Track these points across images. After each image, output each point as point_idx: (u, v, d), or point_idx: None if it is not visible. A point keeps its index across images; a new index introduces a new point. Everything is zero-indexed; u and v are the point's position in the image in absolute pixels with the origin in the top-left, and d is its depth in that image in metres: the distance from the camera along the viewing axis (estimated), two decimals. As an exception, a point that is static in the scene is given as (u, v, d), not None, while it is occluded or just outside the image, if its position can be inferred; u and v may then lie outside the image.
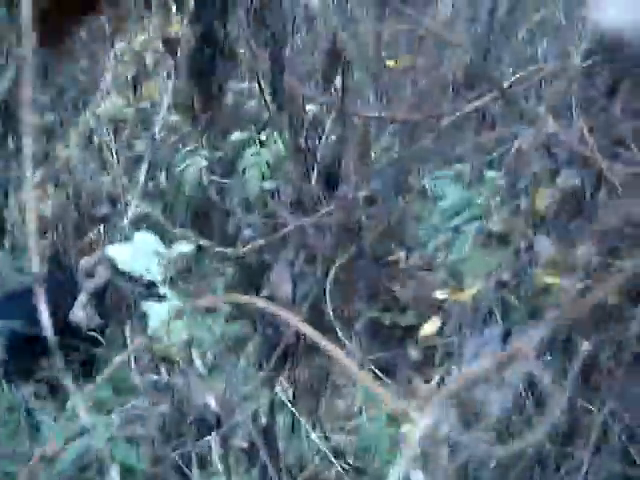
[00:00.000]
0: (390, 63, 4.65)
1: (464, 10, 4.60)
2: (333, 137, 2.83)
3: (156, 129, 3.98)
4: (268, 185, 2.87)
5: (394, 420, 3.52)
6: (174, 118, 3.99)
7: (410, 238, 3.64)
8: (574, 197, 1.94)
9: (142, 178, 3.66)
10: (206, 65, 1.73)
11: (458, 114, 1.80)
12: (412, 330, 3.42)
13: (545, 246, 2.28)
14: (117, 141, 4.33)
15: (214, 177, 3.00)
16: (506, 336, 1.20)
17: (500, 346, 1.18)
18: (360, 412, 3.47)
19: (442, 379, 2.54)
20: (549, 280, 2.53)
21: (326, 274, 2.39)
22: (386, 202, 2.02)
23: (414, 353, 3.60)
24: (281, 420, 3.12)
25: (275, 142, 2.76)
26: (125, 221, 2.87)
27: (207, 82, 1.75)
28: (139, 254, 2.17)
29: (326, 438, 3.06)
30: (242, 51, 2.29)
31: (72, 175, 3.91)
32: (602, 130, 1.58)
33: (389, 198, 2.00)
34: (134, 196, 2.89)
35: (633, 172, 1.49)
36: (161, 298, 2.59)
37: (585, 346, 1.95)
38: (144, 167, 3.78)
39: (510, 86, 1.86)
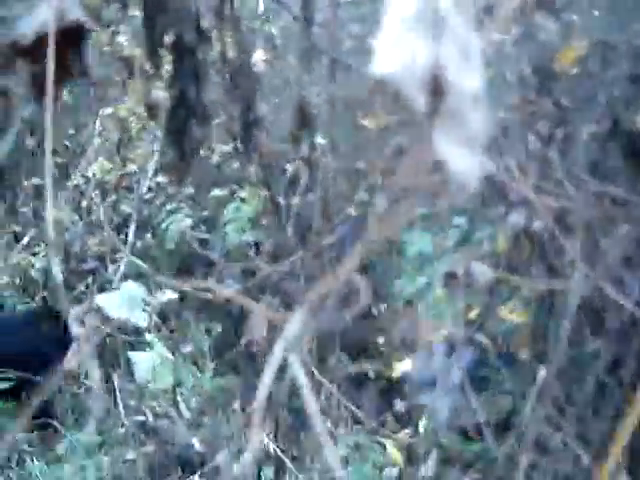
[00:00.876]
0: (371, 122, 4.85)
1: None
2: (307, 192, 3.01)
3: (143, 190, 4.16)
4: (247, 237, 3.04)
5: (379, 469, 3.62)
6: (161, 179, 4.18)
7: (384, 288, 3.79)
8: (526, 236, 2.10)
9: (131, 235, 3.82)
10: (181, 127, 1.90)
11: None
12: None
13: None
14: (105, 202, 4.51)
15: (197, 232, 3.18)
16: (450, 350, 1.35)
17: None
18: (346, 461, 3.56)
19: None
20: (512, 317, 2.68)
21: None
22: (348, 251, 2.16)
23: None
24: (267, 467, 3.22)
25: (255, 198, 2.94)
26: (115, 274, 3.03)
27: (182, 143, 1.92)
28: (126, 301, 2.32)
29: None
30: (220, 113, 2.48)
31: (61, 235, 4.07)
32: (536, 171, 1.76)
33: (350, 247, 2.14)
34: (123, 251, 3.05)
35: (562, 206, 1.65)
36: (147, 345, 2.73)
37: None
38: (132, 225, 3.95)
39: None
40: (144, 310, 2.26)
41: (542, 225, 1.88)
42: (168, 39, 1.87)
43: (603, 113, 1.99)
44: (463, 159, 0.46)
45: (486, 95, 0.46)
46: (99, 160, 4.84)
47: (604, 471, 0.54)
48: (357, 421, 3.14)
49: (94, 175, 4.80)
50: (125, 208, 4.46)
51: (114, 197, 4.89)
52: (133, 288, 2.29)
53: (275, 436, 2.88)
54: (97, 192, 4.75)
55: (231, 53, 2.22)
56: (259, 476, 3.04)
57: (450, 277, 1.70)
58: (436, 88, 0.44)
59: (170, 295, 2.47)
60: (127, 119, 4.00)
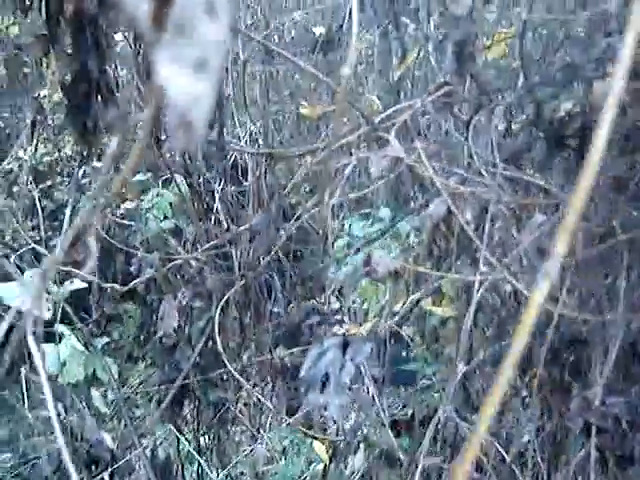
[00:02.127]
0: (306, 111, 4.78)
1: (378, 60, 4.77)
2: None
3: (79, 175, 4.01)
4: (167, 225, 2.93)
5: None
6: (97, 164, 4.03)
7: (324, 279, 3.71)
8: (445, 224, 2.03)
9: (66, 223, 3.67)
10: (82, 102, 1.78)
11: (332, 148, 1.89)
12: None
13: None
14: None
15: (116, 219, 3.05)
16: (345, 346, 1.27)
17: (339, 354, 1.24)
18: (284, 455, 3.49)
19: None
20: (435, 309, 2.63)
21: (221, 309, 2.43)
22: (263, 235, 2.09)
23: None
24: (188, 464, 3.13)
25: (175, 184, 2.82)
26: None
27: (85, 120, 1.80)
28: (26, 292, 2.18)
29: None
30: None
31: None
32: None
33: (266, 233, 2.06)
34: (26, 239, 2.91)
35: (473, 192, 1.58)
36: (58, 337, 2.60)
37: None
38: (68, 211, 3.79)
39: (381, 121, 1.96)
40: (47, 300, 2.14)
41: (462, 215, 1.81)
42: (67, 8, 1.75)
43: (526, 100, 1.93)
44: (189, 84, 0.36)
45: (224, 5, 0.36)
46: (33, 144, 4.67)
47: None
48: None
49: (27, 160, 4.62)
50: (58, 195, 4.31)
51: (48, 183, 4.72)
52: (35, 277, 2.16)
53: (197, 431, 2.79)
54: (30, 178, 4.58)
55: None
56: (183, 473, 2.94)
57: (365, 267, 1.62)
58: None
59: (78, 284, 2.35)
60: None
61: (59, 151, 4.71)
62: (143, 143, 0.47)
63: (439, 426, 2.02)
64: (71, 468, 0.68)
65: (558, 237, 0.52)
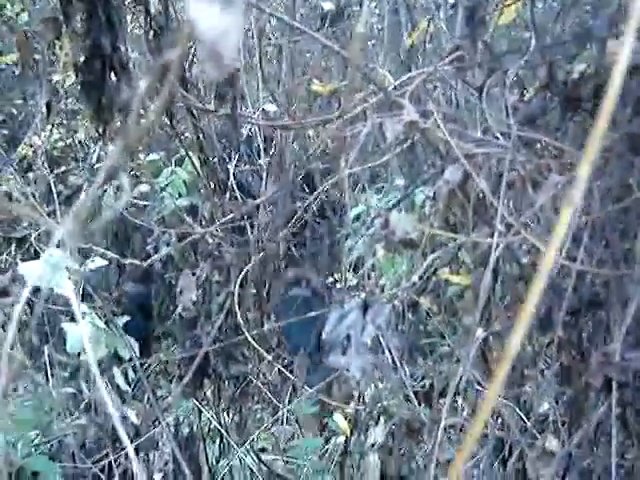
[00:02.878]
0: (318, 88, 4.78)
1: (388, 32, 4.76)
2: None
3: (93, 159, 4.03)
4: (183, 202, 2.94)
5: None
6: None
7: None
8: (462, 191, 2.03)
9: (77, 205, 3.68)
10: (97, 80, 1.79)
11: (346, 117, 1.89)
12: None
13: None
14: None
15: (131, 198, 3.06)
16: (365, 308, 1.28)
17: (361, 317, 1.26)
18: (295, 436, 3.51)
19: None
20: (453, 278, 2.63)
21: (240, 284, 2.44)
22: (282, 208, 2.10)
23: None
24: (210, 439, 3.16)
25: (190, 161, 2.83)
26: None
27: (99, 97, 1.81)
28: (48, 270, 2.20)
29: (258, 458, 3.09)
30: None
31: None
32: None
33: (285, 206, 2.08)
34: (48, 220, 2.91)
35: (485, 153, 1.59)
36: (80, 316, 2.63)
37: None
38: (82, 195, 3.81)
39: (395, 87, 1.96)
40: (69, 278, 2.16)
41: (478, 179, 1.81)
42: (78, -15, 1.76)
43: (538, 62, 1.92)
44: (217, 19, 0.37)
45: None
46: (47, 129, 4.69)
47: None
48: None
49: (42, 145, 4.64)
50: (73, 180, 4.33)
51: (63, 168, 4.75)
52: (56, 256, 2.18)
53: (219, 406, 2.81)
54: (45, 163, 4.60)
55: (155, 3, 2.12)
56: (205, 448, 2.98)
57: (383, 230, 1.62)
58: None
59: (99, 263, 2.37)
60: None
61: (73, 136, 4.73)
62: (170, 86, 0.48)
63: (458, 393, 2.04)
64: (123, 435, 0.70)
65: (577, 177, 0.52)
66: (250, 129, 2.70)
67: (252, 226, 2.37)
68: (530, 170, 1.62)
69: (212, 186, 2.72)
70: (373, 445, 3.15)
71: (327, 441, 3.33)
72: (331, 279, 3.59)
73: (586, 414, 1.76)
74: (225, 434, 2.80)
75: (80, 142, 4.90)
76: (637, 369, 1.30)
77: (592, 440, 1.51)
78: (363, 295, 2.54)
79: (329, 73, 4.94)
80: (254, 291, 2.51)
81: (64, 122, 4.90)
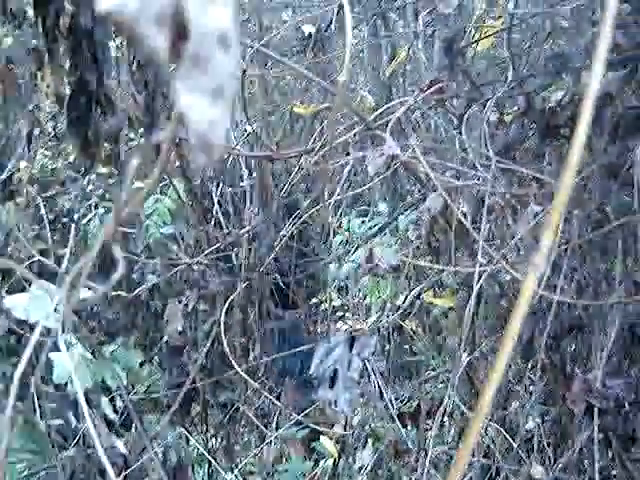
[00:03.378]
0: (300, 110, 4.82)
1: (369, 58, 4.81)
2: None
3: (84, 183, 4.03)
4: (167, 230, 2.95)
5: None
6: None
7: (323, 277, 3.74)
8: (443, 217, 2.06)
9: (72, 233, 3.69)
10: (83, 115, 1.81)
11: (326, 148, 1.92)
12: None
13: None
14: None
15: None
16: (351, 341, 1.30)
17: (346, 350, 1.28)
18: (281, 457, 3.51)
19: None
20: (436, 301, 2.66)
21: (225, 312, 2.46)
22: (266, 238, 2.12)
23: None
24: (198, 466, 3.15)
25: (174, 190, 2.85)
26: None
27: (86, 131, 1.83)
28: (36, 303, 2.21)
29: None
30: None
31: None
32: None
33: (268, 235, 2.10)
34: (30, 250, 2.92)
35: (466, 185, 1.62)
36: (66, 346, 2.63)
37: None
38: (74, 220, 3.81)
39: (375, 119, 1.99)
40: (56, 310, 2.16)
41: (458, 208, 1.84)
42: (63, 22, 1.78)
43: (516, 92, 1.96)
44: (206, 110, 0.40)
45: (236, 37, 0.39)
46: (30, 155, 4.69)
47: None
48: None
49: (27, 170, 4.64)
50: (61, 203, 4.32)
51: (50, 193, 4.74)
52: (42, 288, 2.19)
53: (206, 433, 2.81)
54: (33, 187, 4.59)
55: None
56: (194, 475, 2.98)
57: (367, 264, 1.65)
58: (177, 27, 0.37)
59: (85, 294, 2.38)
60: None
61: (59, 159, 4.73)
62: (164, 161, 0.50)
63: (445, 416, 2.06)
64: (109, 468, 0.71)
65: (545, 225, 0.54)
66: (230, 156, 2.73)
67: (237, 255, 2.39)
68: (508, 200, 1.65)
69: (196, 213, 2.74)
70: (361, 468, 3.16)
71: (315, 464, 3.34)
72: (316, 300, 3.61)
73: (571, 436, 1.79)
74: (212, 460, 2.80)
75: (67, 165, 4.88)
76: (617, 396, 1.33)
77: (576, 465, 1.54)
78: (349, 322, 2.57)
79: (310, 94, 4.97)
80: (240, 318, 2.52)
81: (50, 146, 4.90)
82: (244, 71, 1.76)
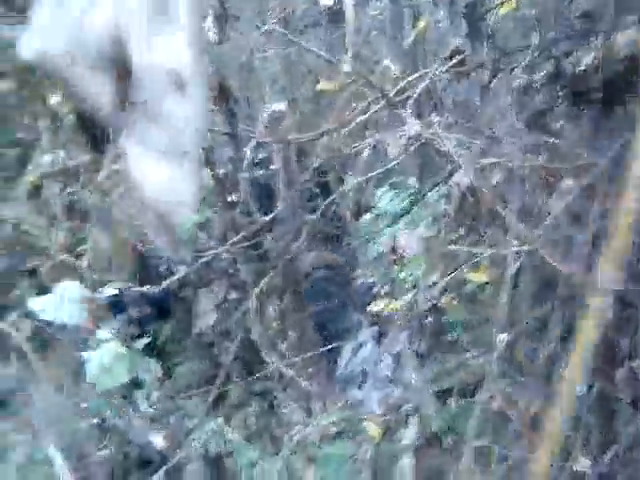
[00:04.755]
0: (325, 85, 4.72)
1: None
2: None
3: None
4: (196, 219, 2.88)
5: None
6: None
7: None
8: (471, 192, 1.97)
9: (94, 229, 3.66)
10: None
11: (354, 124, 1.85)
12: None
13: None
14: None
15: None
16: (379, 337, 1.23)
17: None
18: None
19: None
20: (471, 276, 2.57)
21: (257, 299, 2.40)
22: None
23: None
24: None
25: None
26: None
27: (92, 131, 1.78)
28: (63, 303, 2.17)
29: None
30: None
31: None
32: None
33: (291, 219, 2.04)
34: (54, 248, 2.88)
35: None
36: (99, 343, 2.59)
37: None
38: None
39: (397, 93, 1.91)
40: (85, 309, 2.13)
41: (486, 183, 1.75)
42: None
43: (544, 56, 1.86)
44: (162, 171, 0.32)
45: (198, 76, 0.31)
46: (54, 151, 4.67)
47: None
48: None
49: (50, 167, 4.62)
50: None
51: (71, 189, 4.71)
52: (70, 287, 2.15)
53: (245, 421, 2.77)
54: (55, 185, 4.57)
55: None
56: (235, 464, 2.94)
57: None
58: (118, 68, 0.30)
59: (112, 291, 2.34)
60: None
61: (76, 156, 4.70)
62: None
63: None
64: None
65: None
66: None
67: (265, 240, 2.33)
68: (540, 173, 1.56)
69: (222, 200, 2.68)
70: (405, 448, 3.10)
71: (359, 446, 3.28)
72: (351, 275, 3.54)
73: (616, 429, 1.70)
74: (252, 448, 2.76)
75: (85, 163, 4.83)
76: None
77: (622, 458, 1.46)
78: (377, 308, 2.47)
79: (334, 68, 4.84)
80: (275, 305, 2.46)
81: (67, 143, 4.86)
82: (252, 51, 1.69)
